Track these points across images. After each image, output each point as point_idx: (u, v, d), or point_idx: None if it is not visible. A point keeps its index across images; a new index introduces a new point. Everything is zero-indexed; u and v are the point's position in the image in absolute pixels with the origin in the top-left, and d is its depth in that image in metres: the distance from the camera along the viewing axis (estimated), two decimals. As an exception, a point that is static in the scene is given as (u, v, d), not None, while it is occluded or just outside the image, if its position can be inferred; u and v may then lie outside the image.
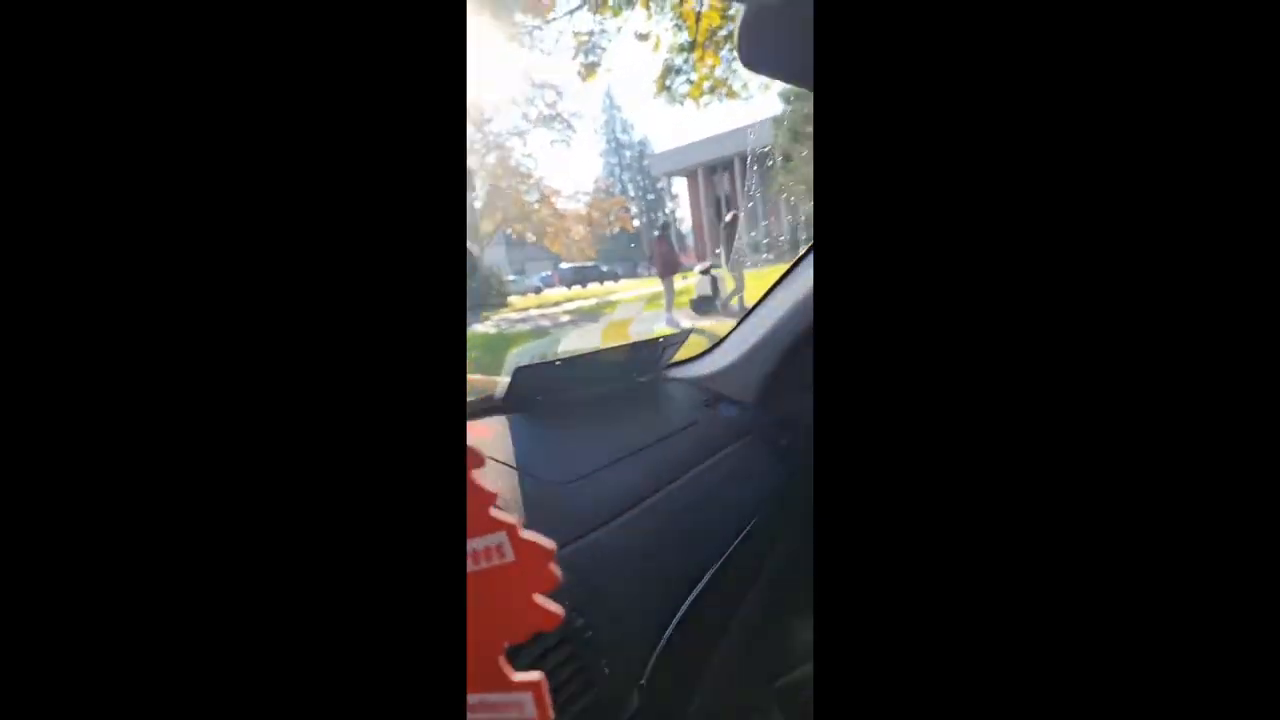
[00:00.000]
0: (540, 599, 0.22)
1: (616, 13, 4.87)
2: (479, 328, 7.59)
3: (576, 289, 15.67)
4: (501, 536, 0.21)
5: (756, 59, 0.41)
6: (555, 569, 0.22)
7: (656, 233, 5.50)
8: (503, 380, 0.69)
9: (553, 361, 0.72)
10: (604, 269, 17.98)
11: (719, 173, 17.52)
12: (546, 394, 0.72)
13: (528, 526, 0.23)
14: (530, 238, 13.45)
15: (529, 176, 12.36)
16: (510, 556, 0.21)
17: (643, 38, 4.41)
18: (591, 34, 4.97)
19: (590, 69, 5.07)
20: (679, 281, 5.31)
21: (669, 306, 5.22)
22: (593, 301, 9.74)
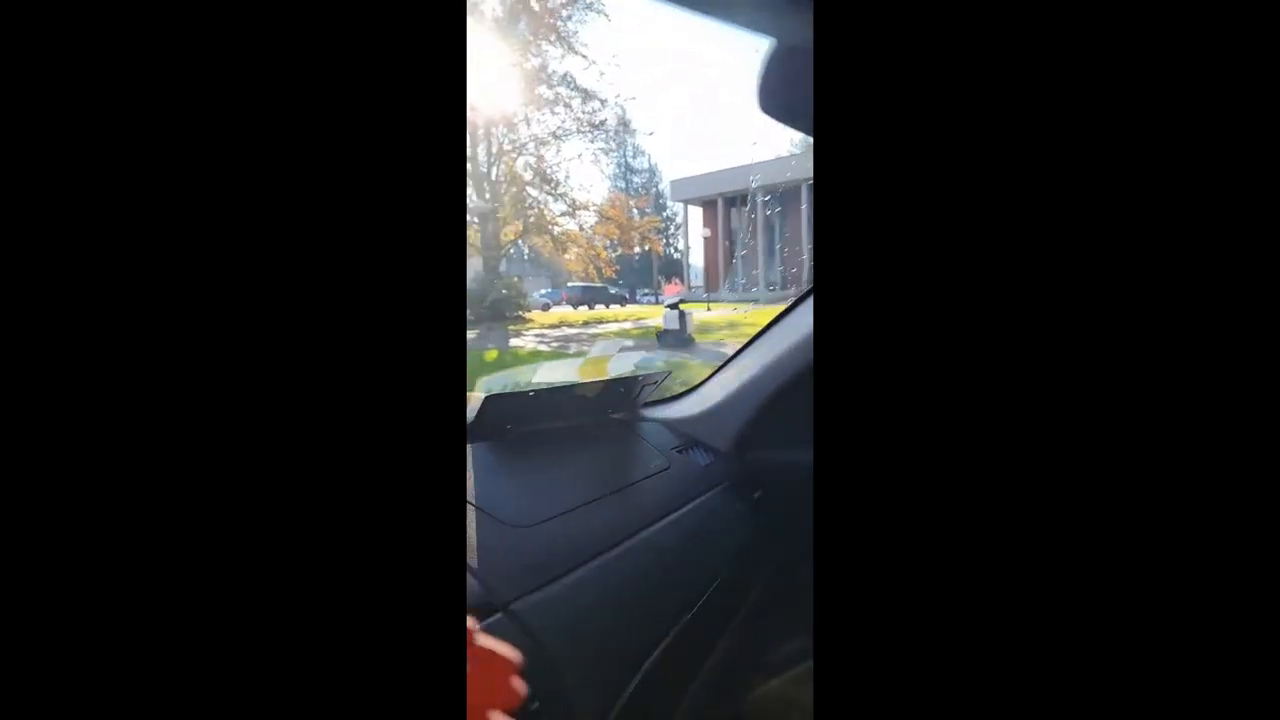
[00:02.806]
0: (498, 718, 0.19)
1: None
2: (519, 342, 6.72)
3: (584, 310, 14.93)
4: None
5: (773, 105, 0.38)
6: (518, 683, 0.20)
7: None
8: (473, 402, 0.63)
9: (527, 391, 0.70)
10: (611, 290, 17.29)
11: (738, 205, 17.18)
12: (516, 424, 0.68)
13: (479, 574, 0.19)
14: (547, 252, 12.65)
15: (558, 186, 11.60)
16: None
17: None
18: None
19: None
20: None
21: None
22: (629, 324, 8.98)
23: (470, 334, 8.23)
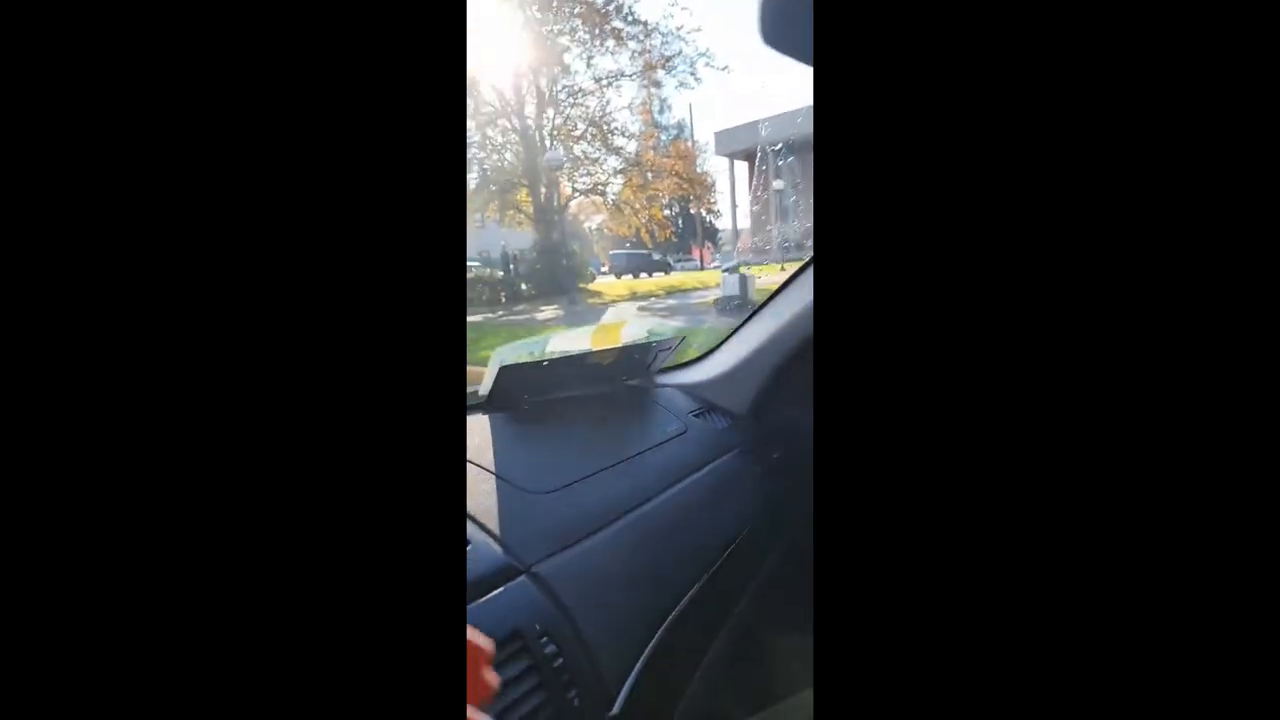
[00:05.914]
0: (472, 713, 0.19)
1: None
2: (610, 317, 5.69)
3: (627, 278, 13.83)
4: None
5: (777, 36, 0.36)
6: (491, 675, 0.20)
7: None
8: (488, 374, 0.63)
9: (540, 361, 0.69)
10: (656, 258, 16.12)
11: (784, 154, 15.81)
12: (532, 394, 0.69)
13: (502, 540, 0.20)
14: (602, 217, 11.46)
15: (614, 135, 10.31)
16: None
17: None
18: None
19: None
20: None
21: None
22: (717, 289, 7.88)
23: (551, 310, 7.12)
